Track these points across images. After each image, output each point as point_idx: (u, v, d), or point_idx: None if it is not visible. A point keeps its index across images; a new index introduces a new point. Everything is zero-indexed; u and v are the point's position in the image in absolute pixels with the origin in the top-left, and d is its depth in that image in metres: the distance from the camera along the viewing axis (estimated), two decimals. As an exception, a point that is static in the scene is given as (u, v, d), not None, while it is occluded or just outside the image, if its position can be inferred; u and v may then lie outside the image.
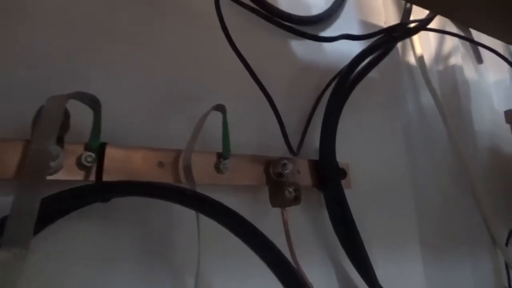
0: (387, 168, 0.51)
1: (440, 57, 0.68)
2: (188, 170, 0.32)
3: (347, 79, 0.45)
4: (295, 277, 0.27)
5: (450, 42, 0.67)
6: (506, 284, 0.61)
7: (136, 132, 0.34)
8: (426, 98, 0.61)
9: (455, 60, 0.67)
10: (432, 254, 0.52)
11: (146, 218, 0.33)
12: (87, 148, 0.29)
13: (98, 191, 0.27)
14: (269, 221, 0.37)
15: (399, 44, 0.61)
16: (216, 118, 0.35)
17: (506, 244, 0.60)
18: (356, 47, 0.49)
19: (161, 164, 0.32)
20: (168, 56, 0.38)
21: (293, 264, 0.35)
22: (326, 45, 0.50)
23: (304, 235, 0.41)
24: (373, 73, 0.53)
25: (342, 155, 0.44)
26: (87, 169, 0.29)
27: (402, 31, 0.47)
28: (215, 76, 0.40)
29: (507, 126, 0.67)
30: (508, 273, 0.61)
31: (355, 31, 0.54)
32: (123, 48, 0.35)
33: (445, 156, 0.60)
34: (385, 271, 0.43)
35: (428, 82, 0.62)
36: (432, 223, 0.54)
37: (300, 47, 0.47)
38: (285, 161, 0.37)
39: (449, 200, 0.57)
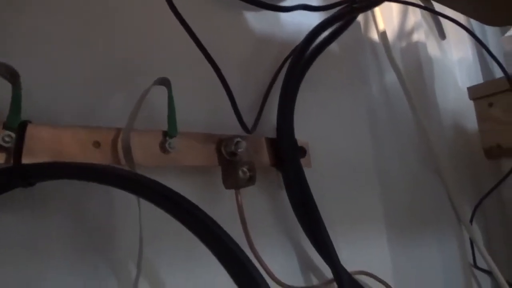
0: (350, 147, 0.49)
1: (403, 33, 0.66)
2: (127, 150, 0.29)
3: (304, 53, 0.42)
4: (245, 271, 0.24)
5: (413, 18, 0.66)
6: (471, 261, 0.61)
7: (69, 109, 0.30)
8: (390, 75, 0.60)
9: (418, 36, 0.66)
10: (397, 234, 0.51)
11: (83, 204, 0.29)
12: (5, 126, 0.25)
13: (13, 175, 0.23)
14: (223, 205, 0.35)
15: (361, 20, 0.59)
16: (163, 94, 0.32)
17: (471, 222, 0.59)
18: (315, 20, 0.46)
19: (97, 144, 0.29)
20: (107, 24, 0.34)
21: (250, 251, 0.33)
22: (284, 17, 0.47)
23: (262, 218, 0.38)
24: (334, 48, 0.51)
25: (302, 133, 0.41)
26: (7, 151, 0.26)
27: (364, 1, 0.45)
28: (161, 48, 0.36)
29: (471, 102, 0.67)
30: (473, 250, 0.60)
31: (314, 2, 0.51)
32: (48, 14, 0.31)
33: (410, 134, 0.59)
34: (349, 252, 0.42)
35: (391, 59, 0.60)
36: (397, 202, 0.53)
37: (256, 19, 0.44)
38: (238, 139, 0.35)
39: (414, 178, 0.56)
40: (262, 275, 0.24)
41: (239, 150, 0.34)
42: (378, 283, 0.42)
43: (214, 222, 0.24)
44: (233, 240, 0.24)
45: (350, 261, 0.40)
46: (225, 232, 0.24)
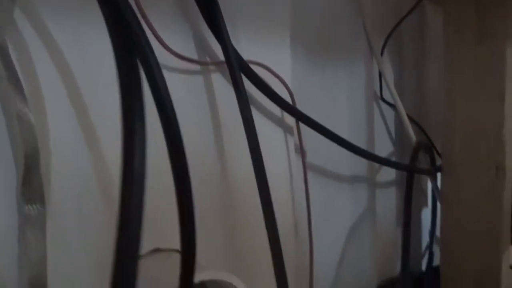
0: None
1: None
2: None
3: None
4: (131, 31, 0.23)
5: None
6: (379, 93, 0.64)
7: None
8: None
9: None
10: (304, 60, 0.51)
11: None
12: None
13: None
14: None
15: None
16: None
17: (382, 53, 0.62)
18: None
19: None
20: None
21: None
22: None
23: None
24: None
25: None
26: None
27: None
28: None
29: None
30: (380, 82, 0.64)
31: None
32: None
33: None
34: (249, 45, 0.42)
35: None
36: (308, 26, 0.52)
37: None
38: None
39: (329, 3, 0.56)
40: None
41: None
42: (273, 78, 0.43)
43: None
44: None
45: (248, 52, 0.40)
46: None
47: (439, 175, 0.60)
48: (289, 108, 0.42)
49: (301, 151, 0.45)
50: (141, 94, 0.21)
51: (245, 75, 0.39)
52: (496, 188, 0.54)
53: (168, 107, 0.25)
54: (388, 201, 0.65)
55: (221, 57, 0.37)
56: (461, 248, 0.57)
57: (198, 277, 0.27)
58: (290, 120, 0.45)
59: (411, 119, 0.65)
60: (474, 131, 0.55)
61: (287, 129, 0.45)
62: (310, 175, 0.50)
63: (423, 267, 0.67)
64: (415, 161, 0.57)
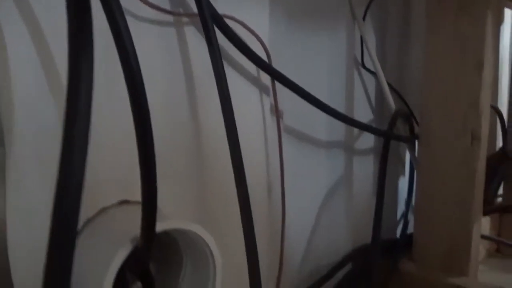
0: None
1: None
2: None
3: None
4: None
5: None
6: (360, 60, 0.63)
7: None
8: None
9: None
10: (283, 20, 0.49)
11: None
12: None
13: None
14: None
15: None
16: None
17: (364, 18, 0.61)
18: None
19: None
20: None
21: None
22: None
23: None
24: None
25: None
26: None
27: None
28: None
29: None
30: (362, 49, 0.63)
31: None
32: None
33: None
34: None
35: None
36: None
37: None
38: None
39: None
40: None
41: None
42: (249, 35, 0.42)
43: None
44: None
45: (224, 6, 0.39)
46: None
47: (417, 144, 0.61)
48: (265, 66, 0.41)
49: (276, 111, 0.45)
50: (91, 36, 0.20)
51: (219, 29, 0.37)
52: (470, 156, 0.54)
53: (130, 53, 0.25)
54: (366, 169, 0.66)
55: (196, 9, 0.36)
56: (434, 216, 0.58)
57: (161, 226, 0.27)
58: (266, 80, 0.45)
59: (391, 87, 0.65)
60: (451, 99, 0.55)
61: (263, 89, 0.44)
62: (286, 137, 0.50)
63: (398, 235, 0.68)
64: (393, 127, 0.57)
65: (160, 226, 0.27)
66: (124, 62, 0.24)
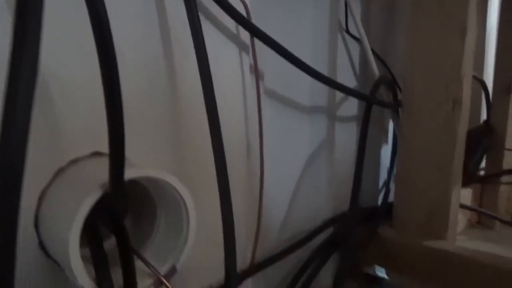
0: None
1: None
2: None
3: None
4: None
5: None
6: (344, 26, 0.63)
7: None
8: None
9: None
10: None
11: None
12: None
13: None
14: None
15: None
16: None
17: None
18: None
19: None
20: None
21: None
22: None
23: None
24: None
25: None
26: None
27: None
28: None
29: None
30: (346, 15, 0.62)
31: None
32: None
33: None
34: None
35: None
36: None
37: None
38: None
39: None
40: None
41: None
42: None
43: None
44: None
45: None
46: None
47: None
48: (244, 22, 0.40)
49: (255, 70, 0.44)
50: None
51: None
52: (452, 122, 0.54)
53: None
54: (349, 136, 0.65)
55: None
56: (414, 182, 0.58)
57: (130, 173, 0.26)
58: (246, 38, 0.44)
59: (375, 55, 0.64)
60: (434, 64, 0.54)
61: (242, 47, 0.43)
62: (266, 99, 0.50)
63: (379, 203, 0.69)
64: (375, 93, 0.57)
65: (128, 174, 0.26)
66: (91, 10, 0.23)
